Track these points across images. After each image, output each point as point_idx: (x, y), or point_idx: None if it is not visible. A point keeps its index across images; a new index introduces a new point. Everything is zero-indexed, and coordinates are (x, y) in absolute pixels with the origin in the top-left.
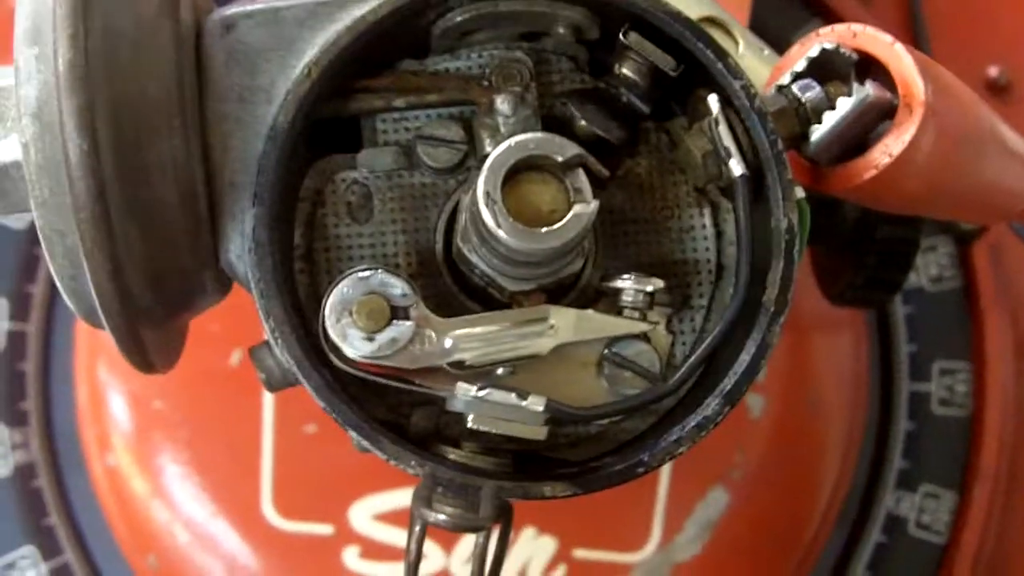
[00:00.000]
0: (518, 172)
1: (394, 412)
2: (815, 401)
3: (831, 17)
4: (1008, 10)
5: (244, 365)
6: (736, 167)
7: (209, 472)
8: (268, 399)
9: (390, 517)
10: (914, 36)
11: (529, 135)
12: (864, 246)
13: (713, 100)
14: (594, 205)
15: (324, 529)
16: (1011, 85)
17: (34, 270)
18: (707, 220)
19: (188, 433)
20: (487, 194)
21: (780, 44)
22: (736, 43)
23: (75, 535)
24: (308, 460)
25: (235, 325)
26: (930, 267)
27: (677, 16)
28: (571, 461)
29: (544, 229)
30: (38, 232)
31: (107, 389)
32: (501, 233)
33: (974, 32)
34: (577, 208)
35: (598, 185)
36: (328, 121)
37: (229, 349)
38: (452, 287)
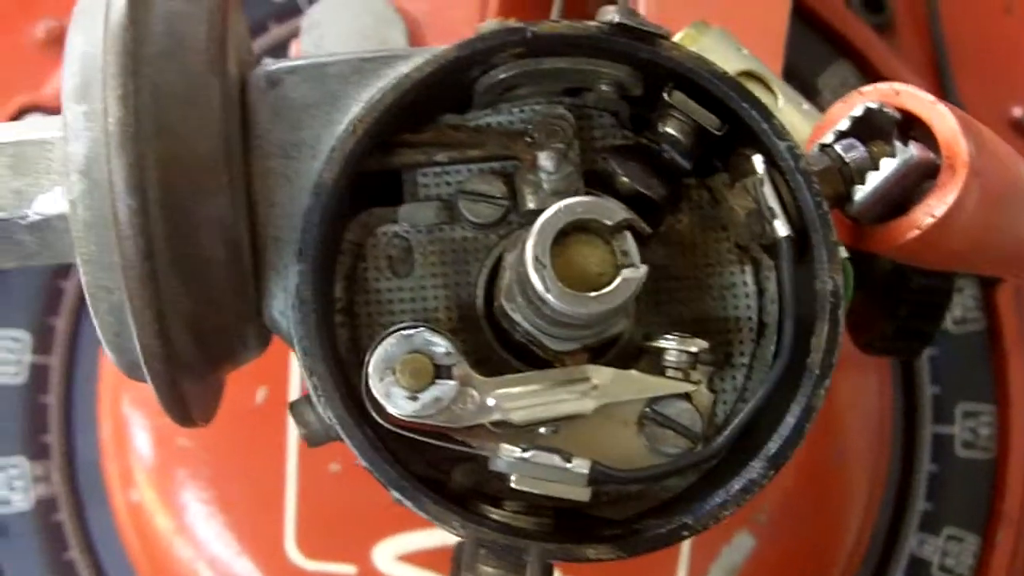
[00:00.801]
0: (565, 234)
1: (434, 468)
2: (840, 443)
3: (857, 58)
4: None
5: (269, 403)
6: (781, 228)
7: (233, 510)
8: (293, 437)
9: (414, 558)
10: (939, 77)
11: (577, 199)
12: (897, 295)
13: (759, 161)
14: (643, 270)
15: (347, 569)
16: None
17: (57, 303)
18: (748, 277)
19: (212, 471)
20: (536, 258)
21: (807, 85)
22: (775, 97)
23: (96, 570)
24: (332, 499)
25: (261, 363)
26: (954, 309)
27: (722, 76)
28: (613, 519)
29: (593, 294)
30: (83, 288)
31: (131, 424)
32: (550, 298)
33: (999, 72)
34: (626, 273)
35: (639, 242)
36: (369, 174)
37: (254, 387)
38: (493, 342)
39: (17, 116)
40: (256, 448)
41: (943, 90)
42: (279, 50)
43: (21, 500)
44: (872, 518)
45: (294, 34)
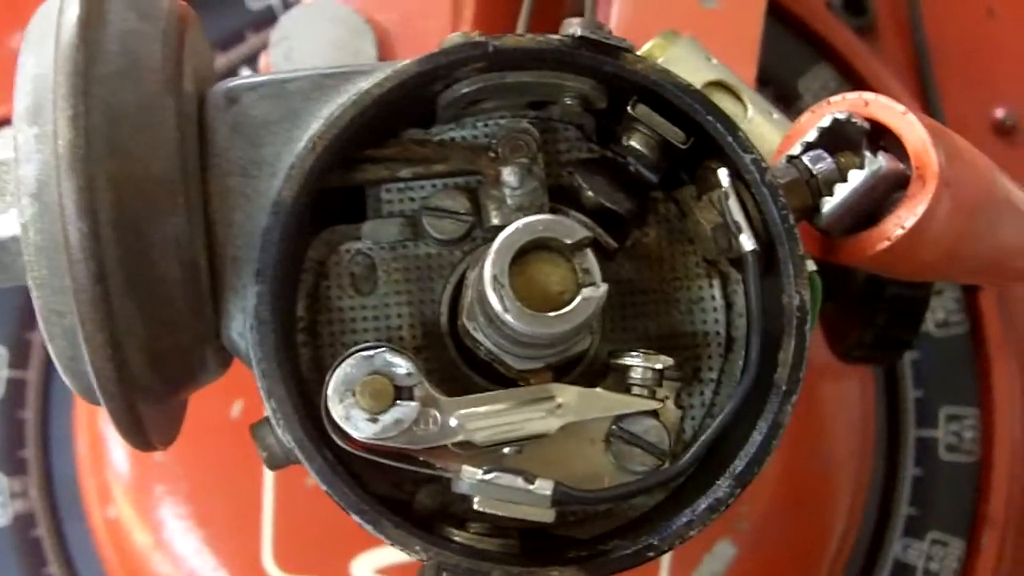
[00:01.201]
0: (525, 252)
1: (398, 489)
2: (822, 449)
3: (838, 61)
4: (1015, 52)
5: (245, 417)
6: (747, 242)
7: (210, 525)
8: None
9: (392, 571)
10: (921, 79)
11: (538, 217)
12: (874, 304)
13: (723, 174)
14: (603, 289)
15: None
16: (1018, 127)
17: (34, 317)
18: (716, 291)
19: (189, 486)
20: (495, 278)
21: (786, 89)
22: (745, 108)
23: None
24: (309, 513)
25: (236, 377)
26: (937, 311)
27: (687, 89)
28: (579, 539)
29: (553, 314)
30: (36, 312)
31: (108, 440)
32: (509, 318)
33: (981, 75)
34: (586, 292)
35: (606, 256)
36: (331, 190)
37: (230, 401)
38: (457, 360)
39: None
40: (233, 462)
41: (925, 92)
42: (256, 60)
43: None
44: (856, 523)
45: None
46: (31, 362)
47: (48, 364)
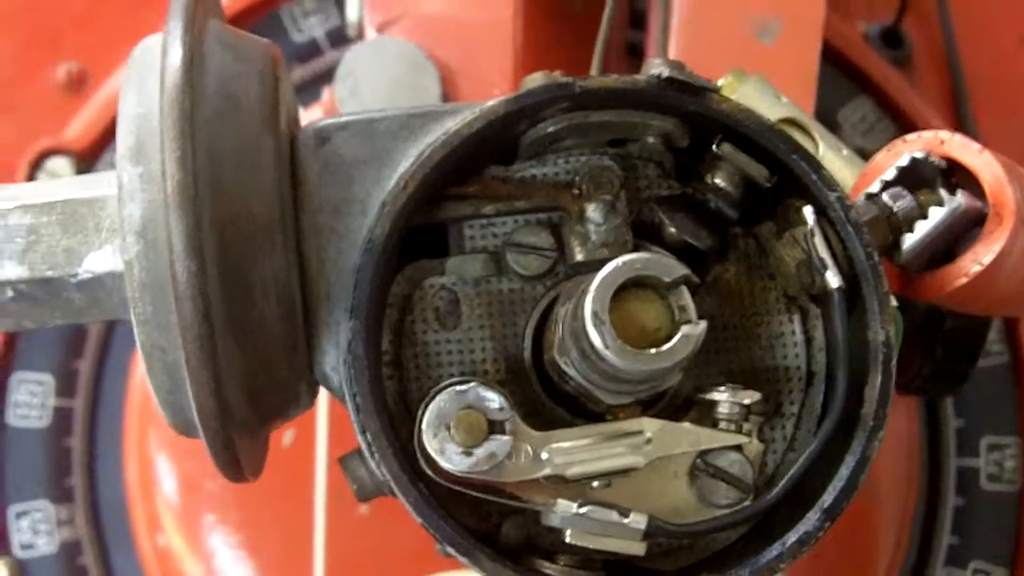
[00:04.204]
0: (621, 289)
1: (485, 521)
2: (868, 480)
3: (876, 93)
4: None
5: (296, 445)
6: (833, 279)
7: (262, 554)
8: (321, 480)
9: None
10: (957, 110)
11: (637, 255)
12: (932, 336)
13: (809, 212)
14: (703, 325)
15: None
16: None
17: (81, 345)
18: (796, 326)
19: (240, 514)
20: (595, 314)
21: (827, 121)
22: (816, 144)
23: None
24: (361, 542)
25: None
26: None
27: (771, 128)
28: (664, 571)
29: (653, 351)
30: (138, 347)
31: (157, 468)
32: (609, 354)
33: (1017, 104)
34: (686, 329)
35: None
36: (415, 227)
37: (282, 430)
38: (541, 394)
39: (40, 159)
40: (284, 491)
41: (961, 122)
42: (301, 92)
43: (46, 544)
44: (900, 553)
45: (317, 76)
46: (78, 390)
47: (95, 392)
